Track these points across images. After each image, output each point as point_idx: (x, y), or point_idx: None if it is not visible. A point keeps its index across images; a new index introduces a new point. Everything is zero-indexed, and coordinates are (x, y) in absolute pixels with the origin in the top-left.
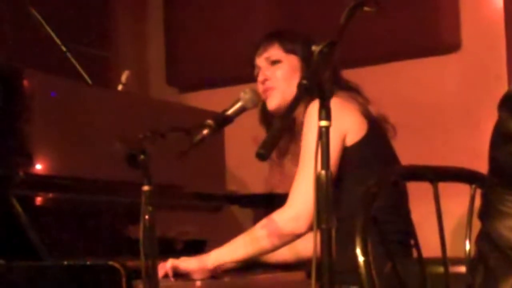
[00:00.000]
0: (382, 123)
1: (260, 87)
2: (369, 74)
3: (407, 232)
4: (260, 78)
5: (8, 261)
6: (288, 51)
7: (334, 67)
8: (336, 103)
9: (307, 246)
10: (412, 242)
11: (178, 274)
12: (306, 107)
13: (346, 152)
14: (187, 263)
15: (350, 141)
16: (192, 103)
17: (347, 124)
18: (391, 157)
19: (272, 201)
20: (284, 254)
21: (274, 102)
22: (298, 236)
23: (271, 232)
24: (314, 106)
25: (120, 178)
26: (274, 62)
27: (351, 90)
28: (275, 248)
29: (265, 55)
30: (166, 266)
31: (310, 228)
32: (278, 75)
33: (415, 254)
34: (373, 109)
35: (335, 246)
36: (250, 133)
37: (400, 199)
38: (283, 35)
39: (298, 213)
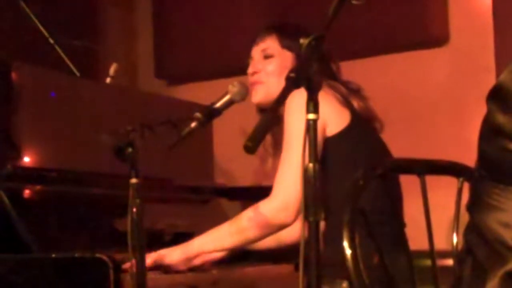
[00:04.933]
0: (367, 115)
1: (249, 78)
2: (357, 67)
3: (395, 224)
4: (250, 70)
5: None
6: (284, 46)
7: (324, 60)
8: None
9: (289, 233)
10: (400, 234)
11: (162, 266)
12: None
13: (328, 143)
14: (169, 257)
15: (331, 131)
16: (180, 95)
17: (326, 114)
18: (379, 149)
19: (261, 193)
20: (267, 241)
21: (258, 96)
22: (285, 226)
23: (258, 223)
24: (294, 96)
25: (108, 170)
26: (267, 56)
27: (336, 80)
28: (261, 238)
29: (262, 46)
30: (148, 262)
31: (297, 218)
32: (268, 69)
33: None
34: (356, 102)
35: (326, 244)
36: (238, 126)
37: (389, 191)
38: (284, 29)
39: (287, 202)
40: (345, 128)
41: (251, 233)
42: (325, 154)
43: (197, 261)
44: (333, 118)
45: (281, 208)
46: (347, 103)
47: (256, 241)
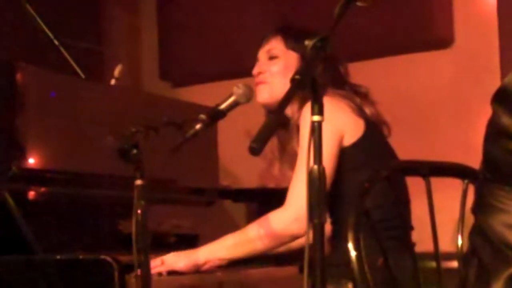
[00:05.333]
0: (377, 121)
1: (255, 79)
2: (362, 69)
3: (401, 226)
4: (255, 71)
5: (0, 255)
6: (289, 47)
7: (331, 63)
8: (331, 102)
9: None
10: (405, 236)
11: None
12: (299, 104)
13: (344, 153)
14: (176, 263)
15: (347, 142)
16: (185, 97)
17: (343, 124)
18: (389, 155)
19: (265, 195)
20: None
21: (263, 96)
22: (299, 237)
23: (268, 233)
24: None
25: (113, 172)
26: (272, 58)
27: (347, 88)
28: (270, 249)
29: (267, 47)
30: (159, 267)
31: None
32: (273, 70)
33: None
34: (368, 108)
35: (334, 248)
36: (243, 128)
37: (395, 194)
38: (289, 30)
39: (299, 214)
40: (360, 138)
41: (260, 244)
42: (341, 165)
43: (203, 268)
44: (350, 128)
45: (293, 219)
46: (361, 112)
47: (264, 252)
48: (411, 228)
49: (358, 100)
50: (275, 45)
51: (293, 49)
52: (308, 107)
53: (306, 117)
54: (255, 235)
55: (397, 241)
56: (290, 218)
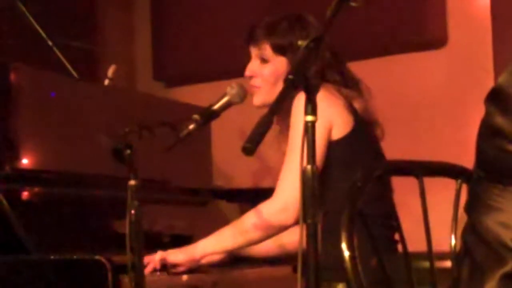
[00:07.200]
0: (367, 119)
1: (250, 82)
2: (355, 69)
3: (393, 226)
4: (247, 72)
5: None
6: (277, 51)
7: (321, 59)
8: (321, 96)
9: (292, 239)
10: (397, 236)
11: (166, 267)
12: (291, 99)
13: (331, 146)
14: (175, 256)
15: (335, 135)
16: (179, 97)
17: (333, 117)
18: (378, 153)
19: (259, 195)
20: (268, 247)
21: (259, 100)
22: (286, 227)
23: (259, 224)
24: (301, 99)
25: (106, 172)
26: (263, 61)
27: (337, 83)
28: (263, 239)
29: (257, 48)
30: (154, 259)
31: (297, 220)
32: (265, 74)
33: (401, 248)
34: (358, 103)
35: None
36: (236, 128)
37: (385, 193)
38: (275, 31)
39: (286, 204)
40: (349, 133)
41: (254, 235)
42: (327, 158)
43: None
44: (339, 122)
45: (280, 209)
46: (350, 108)
47: (258, 242)
48: (399, 226)
49: (345, 92)
50: (264, 49)
51: (281, 52)
52: (299, 99)
53: (295, 110)
54: (245, 227)
55: (388, 239)
56: (277, 208)
